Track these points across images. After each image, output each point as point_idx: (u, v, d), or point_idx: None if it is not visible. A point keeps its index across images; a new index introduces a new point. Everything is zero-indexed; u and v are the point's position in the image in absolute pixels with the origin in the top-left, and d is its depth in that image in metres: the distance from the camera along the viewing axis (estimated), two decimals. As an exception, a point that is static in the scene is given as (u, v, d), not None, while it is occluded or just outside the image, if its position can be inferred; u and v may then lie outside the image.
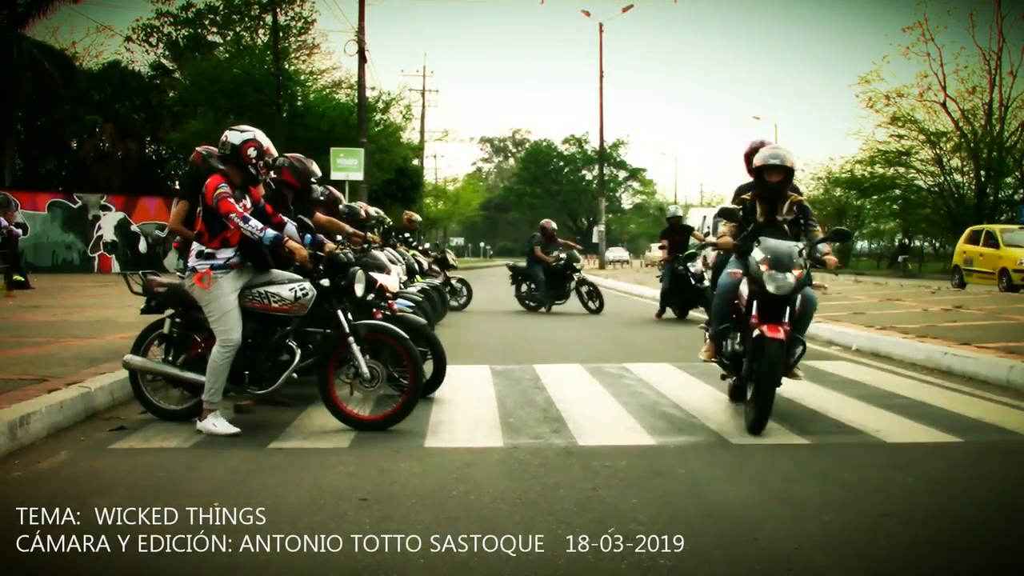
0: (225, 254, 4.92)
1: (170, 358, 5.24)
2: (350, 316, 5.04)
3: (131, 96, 31.34)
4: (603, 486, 3.83)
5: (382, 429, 4.93)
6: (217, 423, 4.88)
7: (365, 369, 4.95)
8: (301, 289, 4.98)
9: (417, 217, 14.17)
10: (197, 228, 5.02)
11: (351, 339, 4.94)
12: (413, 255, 10.29)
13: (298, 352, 5.05)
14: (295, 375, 5.14)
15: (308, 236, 5.24)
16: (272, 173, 5.29)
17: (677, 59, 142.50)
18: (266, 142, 5.02)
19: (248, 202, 5.07)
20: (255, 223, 4.79)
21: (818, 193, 45.73)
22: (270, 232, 4.78)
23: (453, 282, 13.58)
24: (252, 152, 4.93)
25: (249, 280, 5.02)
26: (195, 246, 4.96)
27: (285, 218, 5.30)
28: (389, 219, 10.96)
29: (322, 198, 7.61)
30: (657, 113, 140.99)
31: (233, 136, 4.97)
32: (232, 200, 4.82)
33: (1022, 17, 35.35)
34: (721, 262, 9.77)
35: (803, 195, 5.68)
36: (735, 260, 5.52)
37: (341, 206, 7.91)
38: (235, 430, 4.86)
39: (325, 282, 5.01)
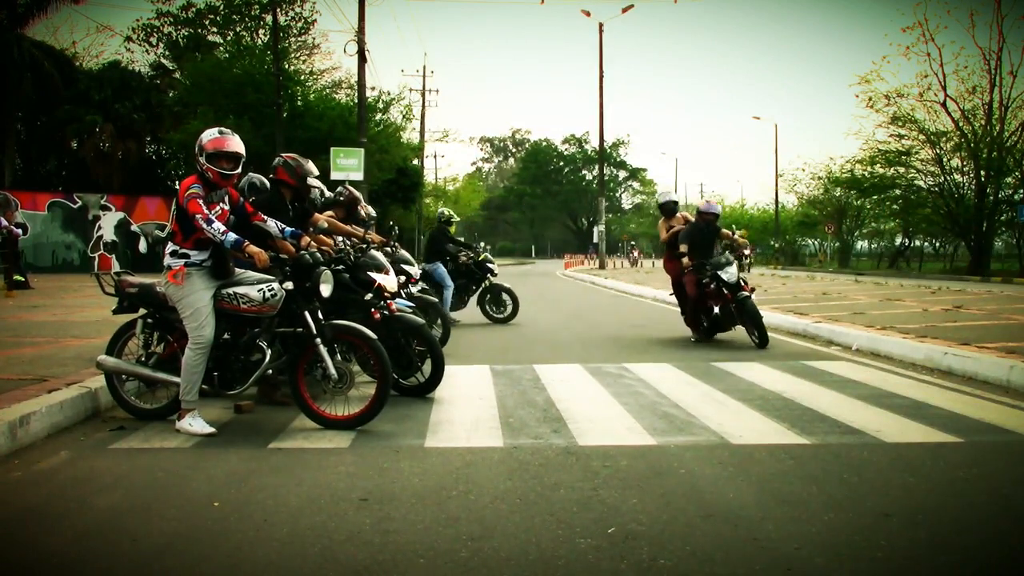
0: (199, 255, 4.91)
1: (143, 359, 5.24)
2: (320, 317, 5.02)
3: (131, 96, 31.37)
4: (603, 486, 3.83)
5: (351, 428, 4.93)
6: (194, 423, 4.87)
7: (333, 370, 4.94)
8: (270, 290, 4.95)
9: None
10: (171, 228, 5.02)
11: (318, 340, 4.94)
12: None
13: (268, 352, 5.03)
14: (270, 371, 5.15)
15: (287, 229, 5.20)
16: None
17: (677, 59, 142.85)
18: (224, 144, 4.88)
19: (226, 203, 5.05)
20: (218, 226, 4.75)
21: (818, 193, 45.80)
22: (231, 236, 4.75)
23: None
24: (198, 151, 4.91)
25: (222, 281, 5.01)
26: (169, 246, 4.95)
27: (264, 217, 5.26)
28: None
29: (341, 199, 7.61)
30: (657, 113, 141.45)
31: (202, 136, 4.97)
32: (201, 202, 4.79)
33: (1022, 17, 35.29)
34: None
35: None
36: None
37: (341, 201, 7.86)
38: (211, 430, 4.85)
39: (289, 285, 4.97)
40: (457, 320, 11.61)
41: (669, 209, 10.48)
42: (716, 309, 9.14)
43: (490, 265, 11.87)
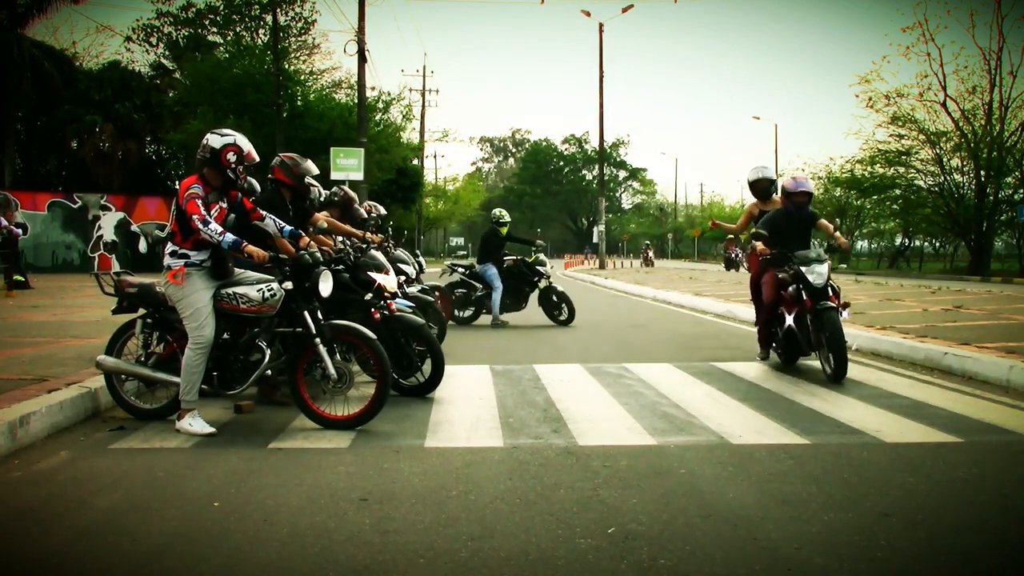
0: (199, 256, 4.91)
1: (143, 359, 5.24)
2: (319, 316, 5.02)
3: (131, 96, 31.40)
4: (603, 486, 3.83)
5: (351, 428, 4.93)
6: (194, 423, 4.87)
7: (332, 370, 4.94)
8: (269, 290, 4.95)
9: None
10: (171, 228, 5.03)
11: (317, 340, 4.94)
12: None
13: (268, 352, 5.03)
14: (270, 371, 5.15)
15: (286, 228, 5.21)
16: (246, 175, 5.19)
17: (677, 59, 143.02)
18: (247, 147, 4.98)
19: (224, 202, 5.06)
20: (215, 227, 4.75)
21: (818, 193, 45.81)
22: (229, 237, 4.76)
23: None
24: (231, 157, 4.91)
25: (221, 281, 5.01)
26: (169, 246, 4.96)
27: (264, 213, 5.26)
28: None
29: (336, 199, 7.61)
30: (657, 113, 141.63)
31: (214, 140, 4.95)
32: (200, 203, 4.80)
33: (1022, 17, 35.27)
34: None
35: None
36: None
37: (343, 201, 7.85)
38: (211, 430, 4.85)
39: (289, 285, 4.98)
40: (506, 322, 11.57)
41: (763, 188, 8.17)
42: (789, 319, 6.99)
43: (540, 269, 11.73)
